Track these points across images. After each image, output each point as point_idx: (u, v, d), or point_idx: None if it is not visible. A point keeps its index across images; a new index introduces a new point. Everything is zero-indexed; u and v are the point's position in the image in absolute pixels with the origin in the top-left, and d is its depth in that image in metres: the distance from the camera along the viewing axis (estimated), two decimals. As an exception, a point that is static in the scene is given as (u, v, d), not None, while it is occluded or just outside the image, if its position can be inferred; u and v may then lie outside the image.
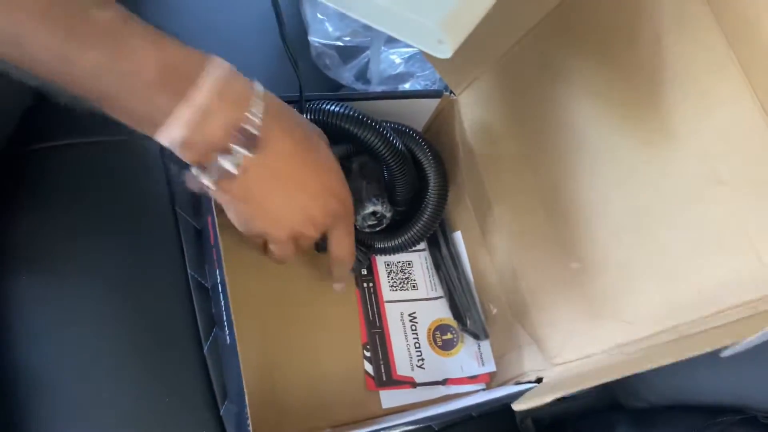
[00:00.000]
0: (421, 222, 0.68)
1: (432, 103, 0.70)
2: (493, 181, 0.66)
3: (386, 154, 0.63)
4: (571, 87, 0.54)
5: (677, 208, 0.47)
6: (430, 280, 0.73)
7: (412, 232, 0.68)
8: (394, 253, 0.71)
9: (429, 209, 0.67)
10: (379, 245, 0.69)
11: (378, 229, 0.70)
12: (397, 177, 0.65)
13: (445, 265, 0.72)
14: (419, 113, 0.72)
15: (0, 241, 0.59)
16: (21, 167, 0.61)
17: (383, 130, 0.62)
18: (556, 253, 0.59)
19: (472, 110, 0.66)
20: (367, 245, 0.69)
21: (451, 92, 0.68)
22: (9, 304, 0.58)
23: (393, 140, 0.63)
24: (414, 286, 0.72)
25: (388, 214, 0.68)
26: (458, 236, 0.73)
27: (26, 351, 0.56)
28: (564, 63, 0.54)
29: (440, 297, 0.72)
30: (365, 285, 0.70)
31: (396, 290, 0.71)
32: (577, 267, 0.57)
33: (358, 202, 0.68)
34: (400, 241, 0.69)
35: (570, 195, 0.56)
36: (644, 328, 0.51)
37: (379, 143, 0.62)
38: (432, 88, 0.84)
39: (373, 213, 0.68)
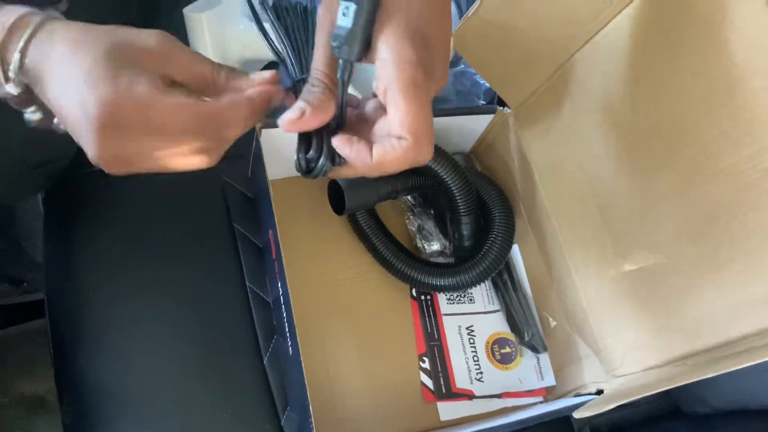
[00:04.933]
0: (484, 264, 0.67)
1: (483, 119, 0.71)
2: (550, 193, 0.66)
3: (458, 190, 0.64)
4: (630, 94, 0.53)
5: (742, 215, 0.46)
6: (487, 294, 0.73)
7: (474, 273, 0.67)
8: (456, 291, 0.71)
9: (493, 251, 0.67)
10: (441, 283, 0.67)
11: (441, 259, 0.72)
12: (464, 213, 0.66)
13: (502, 279, 0.72)
14: (469, 129, 0.73)
15: (68, 259, 0.63)
16: (82, 189, 0.65)
17: (458, 166, 0.63)
18: (615, 264, 0.58)
19: (527, 124, 0.67)
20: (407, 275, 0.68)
21: (505, 107, 0.68)
22: (78, 317, 0.61)
23: (466, 176, 0.64)
24: (471, 300, 0.72)
25: (450, 250, 0.71)
26: (515, 249, 0.73)
27: (95, 362, 0.59)
28: (624, 70, 0.54)
29: (497, 310, 0.72)
30: (422, 298, 0.70)
31: (453, 303, 0.71)
32: (638, 277, 0.56)
33: (425, 240, 0.71)
34: (461, 280, 0.67)
35: (629, 203, 0.56)
36: (709, 338, 0.50)
37: (455, 178, 0.63)
38: (483, 104, 0.84)
39: (441, 251, 0.71)
